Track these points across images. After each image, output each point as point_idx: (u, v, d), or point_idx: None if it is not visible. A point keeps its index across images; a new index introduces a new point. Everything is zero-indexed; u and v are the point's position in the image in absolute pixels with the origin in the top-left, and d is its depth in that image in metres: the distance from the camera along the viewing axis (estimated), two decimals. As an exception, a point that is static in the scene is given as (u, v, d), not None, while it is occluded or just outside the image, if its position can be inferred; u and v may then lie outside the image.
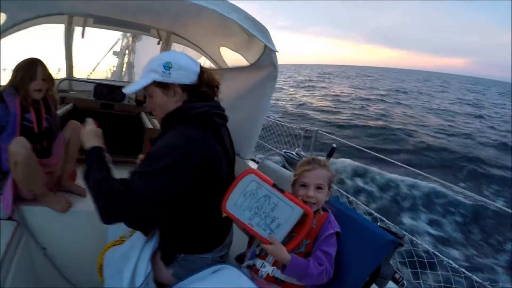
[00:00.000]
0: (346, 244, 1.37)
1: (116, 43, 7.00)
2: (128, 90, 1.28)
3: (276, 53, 2.05)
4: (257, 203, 1.22)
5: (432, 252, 1.75)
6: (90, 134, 1.28)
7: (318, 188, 1.35)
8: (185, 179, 1.14)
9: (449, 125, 20.96)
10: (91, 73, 4.36)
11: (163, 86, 1.25)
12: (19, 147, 1.69)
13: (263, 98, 2.28)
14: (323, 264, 1.24)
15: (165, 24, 3.44)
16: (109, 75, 8.05)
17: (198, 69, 1.29)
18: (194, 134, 1.17)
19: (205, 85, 1.30)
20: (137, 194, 1.04)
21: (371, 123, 19.31)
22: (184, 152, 1.12)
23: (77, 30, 3.63)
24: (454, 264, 1.63)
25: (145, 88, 1.28)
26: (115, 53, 7.37)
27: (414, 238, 1.78)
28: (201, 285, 1.20)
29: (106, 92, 3.99)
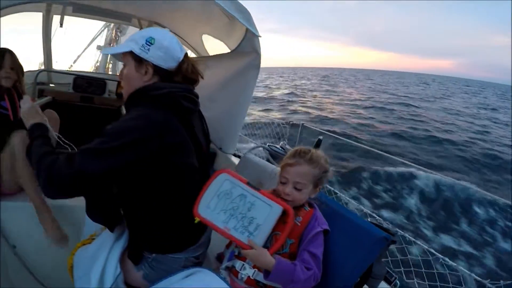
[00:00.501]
0: (335, 242, 1.25)
1: (99, 34, 6.77)
2: (106, 51, 1.23)
3: (259, 38, 1.92)
4: (232, 203, 1.12)
5: (427, 249, 1.65)
6: (30, 111, 1.25)
7: (297, 187, 1.21)
8: (139, 164, 1.03)
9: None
10: (71, 65, 4.18)
11: (138, 60, 1.19)
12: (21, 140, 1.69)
13: (246, 88, 2.14)
14: (311, 268, 1.11)
15: (146, 12, 3.32)
16: (93, 69, 7.87)
17: (180, 57, 1.21)
18: (156, 117, 1.07)
19: (181, 76, 1.22)
20: (82, 170, 0.95)
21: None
22: (142, 135, 1.02)
23: (56, 19, 3.45)
24: (450, 262, 1.53)
25: (122, 56, 1.23)
26: (98, 47, 7.15)
27: (407, 235, 1.66)
28: None
29: (86, 84, 3.83)
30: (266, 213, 1.10)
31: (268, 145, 2.08)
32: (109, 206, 1.25)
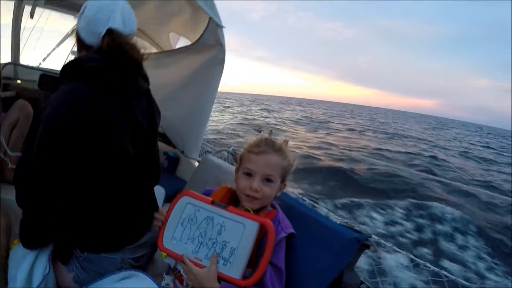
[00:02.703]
0: (300, 247, 1.08)
1: (71, 33, 6.59)
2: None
3: (223, 28, 1.79)
4: (199, 229, 0.96)
5: (405, 253, 1.50)
6: None
7: (268, 180, 1.02)
8: (75, 144, 0.95)
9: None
10: (40, 63, 3.99)
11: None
12: None
13: (209, 85, 2.01)
14: None
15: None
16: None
17: (101, 31, 1.05)
18: (82, 89, 0.97)
19: (111, 52, 1.06)
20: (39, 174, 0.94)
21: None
22: (64, 110, 0.94)
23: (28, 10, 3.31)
24: (432, 267, 1.38)
25: None
26: (73, 52, 6.96)
27: (382, 241, 1.50)
28: None
29: (52, 82, 3.57)
30: (240, 233, 0.92)
31: (232, 149, 1.90)
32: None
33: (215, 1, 1.67)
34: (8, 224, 1.35)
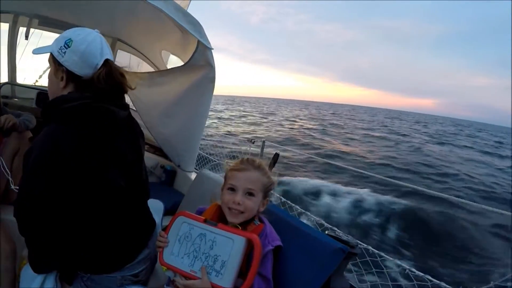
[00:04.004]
0: (287, 257, 1.16)
1: None
2: (35, 51, 1.14)
3: (212, 50, 1.88)
4: (193, 245, 1.08)
5: (392, 259, 1.56)
6: None
7: (249, 194, 1.11)
8: (51, 188, 0.98)
9: None
10: (36, 81, 4.05)
11: (55, 63, 1.08)
12: None
13: (201, 103, 2.09)
14: None
15: (107, 28, 3.22)
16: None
17: (98, 63, 1.07)
18: (62, 133, 0.98)
19: (102, 82, 1.07)
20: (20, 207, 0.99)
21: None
22: (48, 160, 0.96)
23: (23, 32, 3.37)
24: (417, 272, 1.44)
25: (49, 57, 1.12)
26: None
27: (370, 248, 1.56)
28: None
29: (48, 99, 3.64)
30: (229, 247, 1.03)
31: (226, 162, 1.97)
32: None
33: (215, 1, 1.74)
34: (13, 249, 1.40)
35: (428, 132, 39.00)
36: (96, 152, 1.03)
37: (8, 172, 1.47)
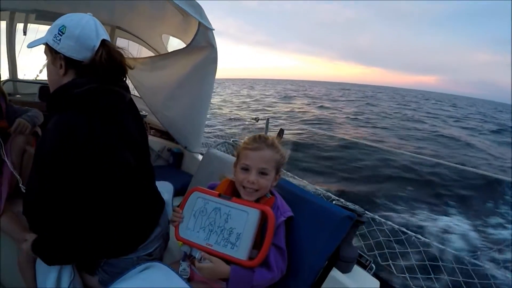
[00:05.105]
0: (298, 228, 1.20)
1: None
2: (29, 44, 1.11)
3: (213, 31, 1.88)
4: (208, 219, 1.12)
5: (398, 228, 1.60)
6: None
7: (262, 173, 1.13)
8: (68, 177, 0.98)
9: None
10: (37, 75, 4.05)
11: (52, 52, 1.06)
12: None
13: (204, 83, 2.10)
14: (272, 269, 1.06)
15: (105, 16, 3.18)
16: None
17: (95, 45, 1.06)
18: (75, 120, 0.98)
19: (97, 67, 1.06)
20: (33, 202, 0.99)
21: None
22: (66, 148, 0.95)
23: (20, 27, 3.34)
24: (423, 238, 1.48)
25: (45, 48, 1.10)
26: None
27: (376, 217, 1.60)
28: (124, 285, 1.04)
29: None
30: (244, 220, 1.06)
31: (233, 141, 2.00)
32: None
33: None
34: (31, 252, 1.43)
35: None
36: (109, 133, 1.04)
37: (17, 172, 1.48)
